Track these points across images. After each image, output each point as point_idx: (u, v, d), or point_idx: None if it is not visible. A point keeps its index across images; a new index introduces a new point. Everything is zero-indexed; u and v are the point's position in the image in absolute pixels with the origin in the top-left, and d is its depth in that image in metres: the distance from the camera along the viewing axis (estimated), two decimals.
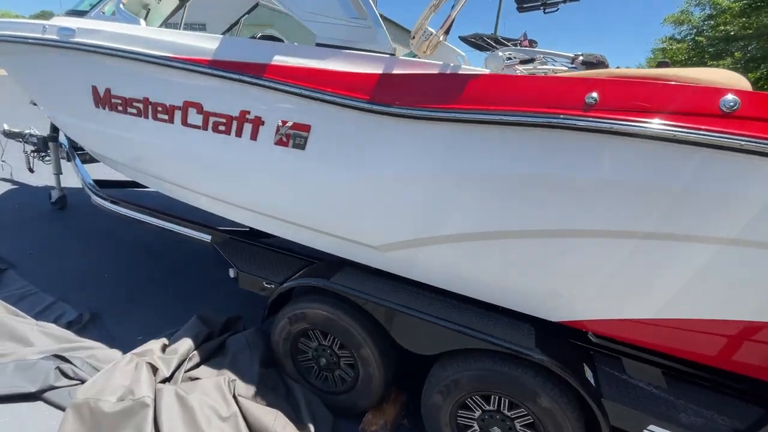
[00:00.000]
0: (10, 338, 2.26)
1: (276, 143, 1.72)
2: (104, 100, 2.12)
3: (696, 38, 12.63)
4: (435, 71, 1.44)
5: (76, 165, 3.51)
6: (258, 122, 1.73)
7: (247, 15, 3.65)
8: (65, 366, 2.04)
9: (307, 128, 1.63)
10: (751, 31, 9.08)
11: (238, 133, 1.79)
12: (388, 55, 1.54)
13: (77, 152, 3.88)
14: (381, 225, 1.68)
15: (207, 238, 2.49)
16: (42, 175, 4.77)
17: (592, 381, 1.57)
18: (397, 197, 1.56)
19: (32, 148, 4.49)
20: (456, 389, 1.67)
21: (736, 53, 10.74)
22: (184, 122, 1.91)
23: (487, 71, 1.55)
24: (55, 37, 2.09)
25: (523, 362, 1.58)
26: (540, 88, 1.27)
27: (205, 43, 1.76)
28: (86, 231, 3.78)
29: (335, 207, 1.76)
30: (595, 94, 1.19)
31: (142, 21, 2.02)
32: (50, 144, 3.98)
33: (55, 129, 4.06)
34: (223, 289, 2.99)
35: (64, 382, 1.99)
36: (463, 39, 3.32)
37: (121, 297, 2.83)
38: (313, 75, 1.56)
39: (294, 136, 1.67)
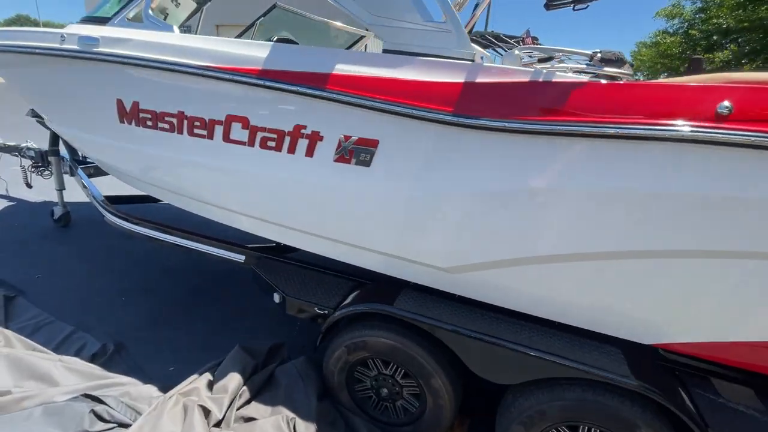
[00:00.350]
0: (32, 377, 2.06)
1: (336, 160, 1.57)
2: (131, 114, 1.93)
3: (689, 31, 12.74)
4: (526, 79, 1.30)
5: (82, 180, 3.29)
6: (316, 137, 1.57)
7: (262, 17, 3.47)
8: (99, 408, 1.85)
9: (374, 143, 1.48)
10: (747, 24, 9.19)
11: (291, 150, 1.63)
12: (469, 62, 1.40)
13: (81, 165, 3.66)
14: (455, 246, 1.54)
15: (240, 258, 2.33)
16: (40, 191, 4.52)
17: (692, 407, 1.46)
18: (479, 217, 1.42)
19: (30, 162, 4.26)
20: (541, 420, 1.54)
21: (732, 46, 10.85)
22: (226, 138, 1.75)
23: (584, 78, 1.42)
24: (75, 47, 1.89)
25: (617, 390, 1.47)
26: (660, 96, 1.15)
27: (253, 51, 1.60)
28: (95, 249, 3.56)
29: (399, 227, 1.61)
30: (727, 103, 1.07)
31: (175, 28, 1.84)
32: (51, 158, 3.74)
33: (55, 142, 3.82)
34: (252, 310, 2.82)
35: (101, 426, 1.81)
36: None
37: (143, 322, 2.64)
38: (383, 85, 1.41)
39: (358, 152, 1.52)
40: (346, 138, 1.52)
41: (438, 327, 1.62)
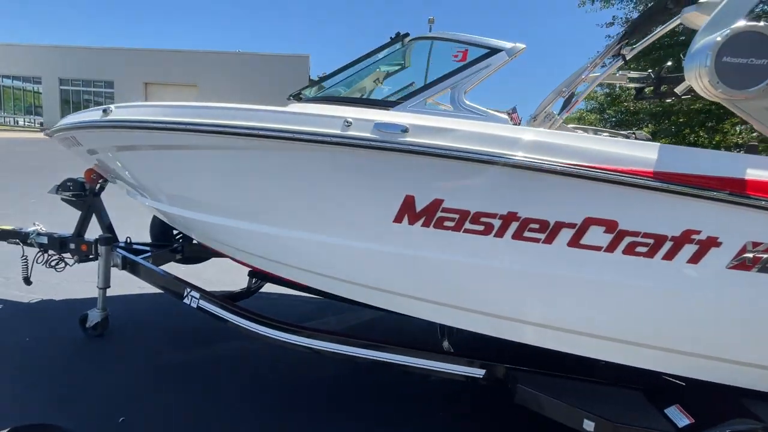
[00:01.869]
0: None
1: (732, 267, 1.43)
2: (423, 212, 1.58)
3: (606, 111, 15.48)
4: None
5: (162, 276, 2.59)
6: (711, 244, 1.43)
7: None
8: None
9: None
10: (660, 109, 11.56)
11: (669, 256, 1.46)
12: None
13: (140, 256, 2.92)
14: None
15: (479, 373, 1.95)
16: (42, 288, 3.47)
17: None
18: None
19: (36, 251, 3.26)
20: None
21: (650, 125, 13.44)
22: (574, 243, 1.51)
23: None
24: (373, 135, 1.52)
25: None
26: None
27: (638, 152, 1.45)
28: (167, 366, 2.70)
29: None
30: None
31: (506, 117, 1.61)
32: (102, 248, 2.89)
33: (111, 228, 3.01)
34: None
35: None
36: None
37: None
38: None
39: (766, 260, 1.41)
40: (755, 245, 1.41)
41: None
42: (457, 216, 1.57)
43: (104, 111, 1.94)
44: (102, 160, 2.48)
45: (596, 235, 1.49)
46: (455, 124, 1.56)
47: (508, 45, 1.74)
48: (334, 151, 1.59)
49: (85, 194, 3.17)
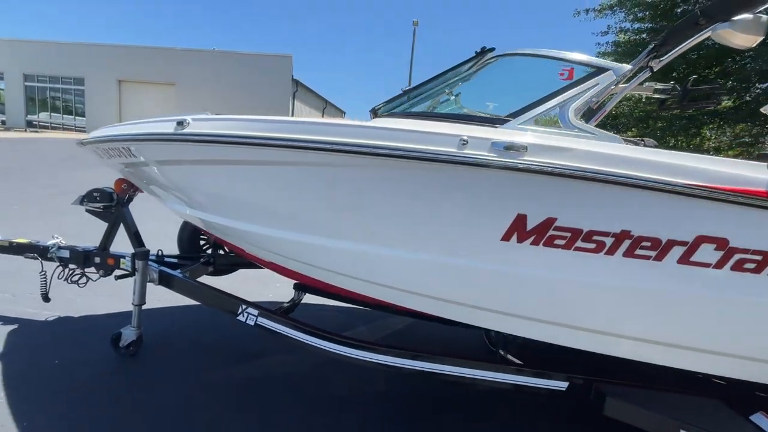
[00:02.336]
0: None
1: None
2: (533, 231, 1.57)
3: None
4: None
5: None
6: None
7: None
8: None
9: None
10: (643, 114, 12.04)
11: None
12: None
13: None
14: None
15: (562, 385, 1.96)
16: (56, 304, 3.26)
17: None
18: None
19: (56, 266, 3.05)
20: None
21: (634, 129, 13.95)
22: (685, 260, 1.53)
23: None
24: (490, 155, 1.49)
25: None
26: None
27: (751, 172, 1.48)
28: (212, 385, 2.57)
29: None
30: None
31: (617, 136, 1.61)
32: (140, 263, 2.73)
33: (140, 240, 2.85)
34: None
35: None
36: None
37: None
38: None
39: None
40: None
41: None
42: (568, 234, 1.56)
43: (179, 123, 1.82)
44: (151, 171, 2.34)
45: (706, 253, 1.52)
46: (573, 143, 1.56)
47: (615, 65, 1.76)
48: (445, 170, 1.56)
49: (113, 205, 2.99)
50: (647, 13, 10.24)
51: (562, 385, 1.96)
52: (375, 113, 1.95)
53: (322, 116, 34.62)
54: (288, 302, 2.88)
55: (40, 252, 3.04)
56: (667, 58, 2.46)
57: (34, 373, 2.54)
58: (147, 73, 25.81)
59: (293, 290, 2.97)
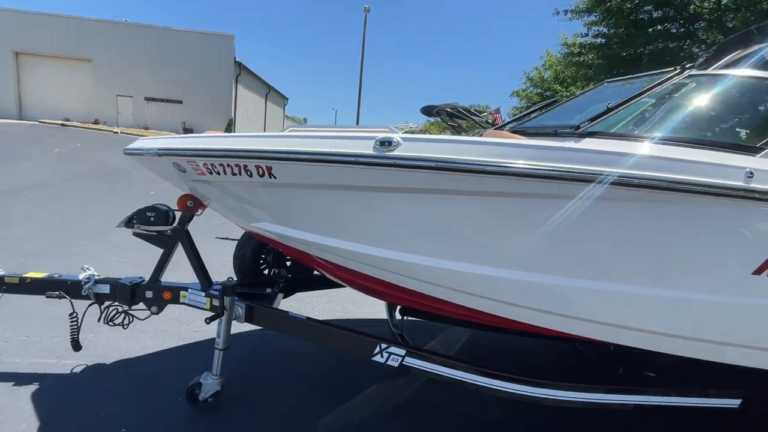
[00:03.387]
0: None
1: None
2: None
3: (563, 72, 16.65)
4: None
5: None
6: None
7: None
8: None
9: None
10: None
11: None
12: None
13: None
14: None
15: (734, 403, 2.00)
16: (94, 352, 2.64)
17: None
18: None
19: (91, 304, 2.45)
20: None
21: None
22: None
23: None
24: (737, 184, 1.40)
25: None
26: None
27: None
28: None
29: None
30: None
31: None
32: (228, 299, 2.26)
33: (205, 270, 2.36)
34: None
35: None
36: (439, 110, 3.39)
37: None
38: None
39: None
40: None
41: None
42: None
43: (383, 143, 1.45)
44: (274, 193, 1.91)
45: None
46: None
47: None
48: (732, 204, 1.46)
49: (170, 227, 2.44)
50: (612, 19, 10.85)
51: (734, 402, 2.00)
52: (576, 130, 1.75)
53: (265, 102, 32.53)
54: (397, 332, 2.59)
55: (70, 288, 2.40)
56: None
57: None
58: (53, 46, 21.95)
59: (392, 314, 2.69)
